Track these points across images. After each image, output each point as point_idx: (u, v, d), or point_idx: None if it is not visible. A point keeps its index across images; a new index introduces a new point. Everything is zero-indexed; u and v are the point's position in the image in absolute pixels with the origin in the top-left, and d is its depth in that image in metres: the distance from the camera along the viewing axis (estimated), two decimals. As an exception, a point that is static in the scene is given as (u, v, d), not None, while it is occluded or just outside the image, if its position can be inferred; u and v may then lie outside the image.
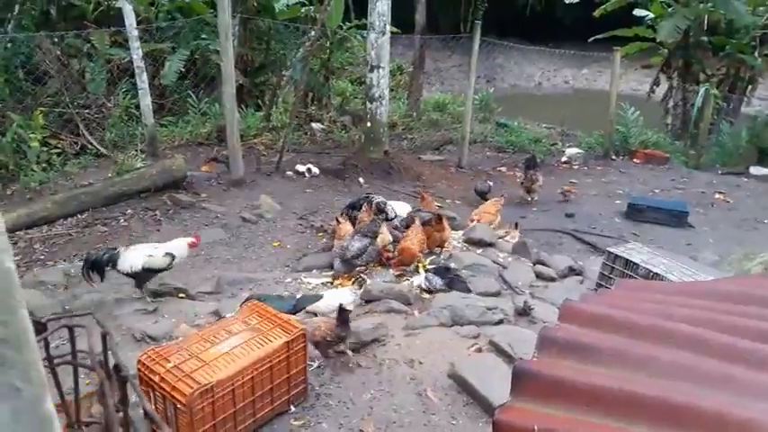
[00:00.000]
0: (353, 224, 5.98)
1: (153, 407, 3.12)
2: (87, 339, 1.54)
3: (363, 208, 6.04)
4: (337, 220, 6.02)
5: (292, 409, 3.47)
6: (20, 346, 0.74)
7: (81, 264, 4.89)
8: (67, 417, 1.54)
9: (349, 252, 5.19)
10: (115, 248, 4.84)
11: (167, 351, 3.14)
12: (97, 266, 4.71)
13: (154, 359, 3.08)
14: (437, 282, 5.04)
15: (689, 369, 1.63)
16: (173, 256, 4.70)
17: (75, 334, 1.50)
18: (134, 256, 4.64)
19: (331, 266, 5.52)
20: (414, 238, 5.53)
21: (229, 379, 3.01)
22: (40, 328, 1.67)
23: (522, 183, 8.91)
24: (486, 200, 7.96)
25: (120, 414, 1.10)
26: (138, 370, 3.11)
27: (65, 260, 5.96)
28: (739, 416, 1.41)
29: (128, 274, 4.68)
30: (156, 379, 2.99)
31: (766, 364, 1.64)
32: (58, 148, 8.71)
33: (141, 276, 4.68)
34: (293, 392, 3.44)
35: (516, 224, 7.18)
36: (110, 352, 1.32)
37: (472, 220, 6.87)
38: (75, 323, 1.53)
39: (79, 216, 6.91)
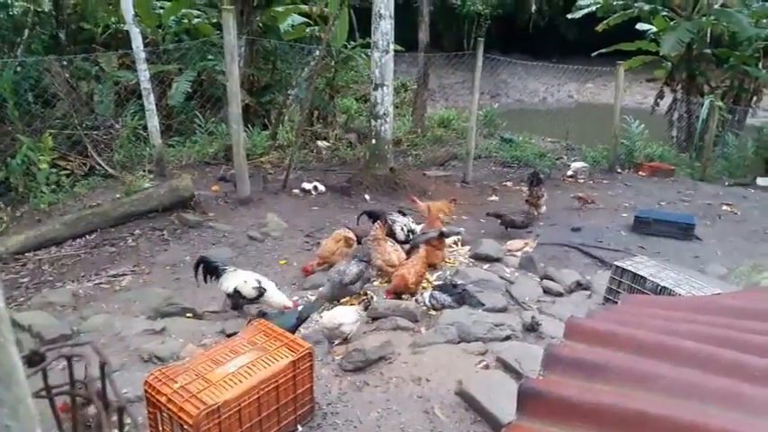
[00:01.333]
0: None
1: (161, 428, 3.12)
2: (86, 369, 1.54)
3: (377, 225, 6.04)
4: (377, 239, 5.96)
5: (299, 428, 3.46)
6: (9, 384, 0.74)
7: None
8: None
9: (347, 277, 5.17)
10: (227, 265, 5.13)
11: (174, 372, 3.14)
12: (206, 271, 5.03)
13: (161, 380, 3.08)
14: (444, 299, 5.03)
15: (696, 386, 1.62)
16: (261, 292, 4.84)
17: (73, 363, 1.50)
18: (233, 278, 4.89)
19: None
20: (411, 268, 5.40)
21: (236, 399, 3.00)
22: (37, 359, 1.68)
23: (527, 200, 8.90)
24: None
25: None
26: (145, 391, 3.11)
27: (73, 281, 5.99)
28: (747, 433, 1.40)
29: (225, 293, 4.96)
30: (164, 400, 2.99)
31: (774, 380, 1.63)
32: (67, 169, 8.81)
33: (234, 298, 4.92)
34: (300, 412, 3.43)
35: (537, 235, 7.18)
36: (108, 382, 1.32)
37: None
38: (73, 352, 1.53)
39: (88, 237, 6.96)
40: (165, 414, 3.01)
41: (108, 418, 1.08)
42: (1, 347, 0.73)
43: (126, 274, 6.07)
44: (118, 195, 7.87)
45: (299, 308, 4.71)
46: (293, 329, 4.01)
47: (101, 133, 9.85)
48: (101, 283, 5.87)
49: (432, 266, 6.00)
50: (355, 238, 6.18)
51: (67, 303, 5.36)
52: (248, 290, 4.81)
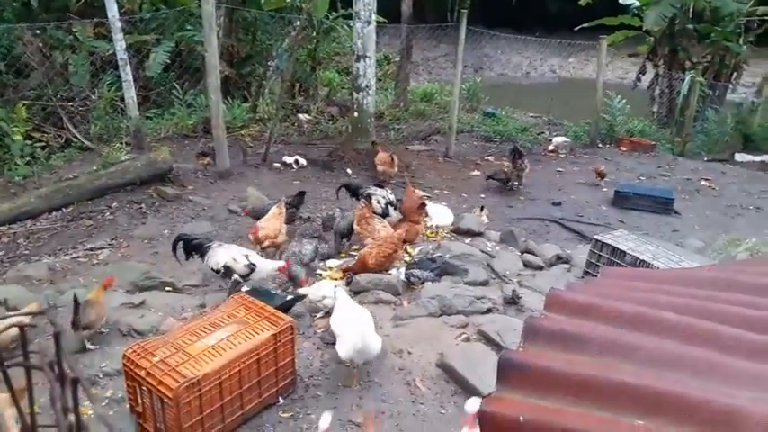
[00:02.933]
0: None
1: (140, 401, 3.09)
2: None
3: (362, 203, 5.98)
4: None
5: (281, 400, 3.46)
6: None
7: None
8: (22, 420, 1.50)
9: (305, 257, 5.19)
10: (209, 239, 5.06)
11: (153, 345, 3.12)
12: (186, 248, 4.94)
13: (139, 354, 3.05)
14: (425, 275, 5.02)
15: (675, 357, 1.63)
16: (252, 269, 4.70)
17: (26, 334, 1.46)
18: (221, 254, 4.77)
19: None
20: (374, 249, 5.19)
21: (216, 372, 2.99)
22: None
23: (509, 171, 8.93)
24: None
25: (72, 418, 1.07)
26: (124, 365, 3.09)
27: (50, 255, 5.89)
28: (726, 403, 1.42)
29: (212, 269, 4.83)
30: (143, 373, 2.96)
31: (752, 351, 1.65)
32: (42, 141, 8.61)
33: (225, 275, 4.78)
34: (281, 384, 3.43)
35: (482, 207, 7.15)
36: (62, 353, 1.28)
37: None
38: (25, 323, 1.49)
39: (64, 210, 6.83)
40: (144, 388, 2.99)
41: (63, 391, 1.04)
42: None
43: (103, 248, 5.98)
44: (95, 168, 7.71)
45: (293, 267, 4.81)
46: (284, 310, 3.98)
47: (76, 104, 9.62)
48: (78, 257, 5.78)
49: (408, 242, 5.94)
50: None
51: (44, 277, 5.27)
52: (240, 268, 4.70)
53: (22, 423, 1.41)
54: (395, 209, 6.47)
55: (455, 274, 5.13)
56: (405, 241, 5.74)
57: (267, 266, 4.83)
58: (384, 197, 6.50)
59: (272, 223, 5.50)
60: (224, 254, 4.78)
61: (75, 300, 3.76)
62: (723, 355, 1.64)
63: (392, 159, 8.49)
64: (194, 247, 4.93)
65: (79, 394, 1.07)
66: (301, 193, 6.67)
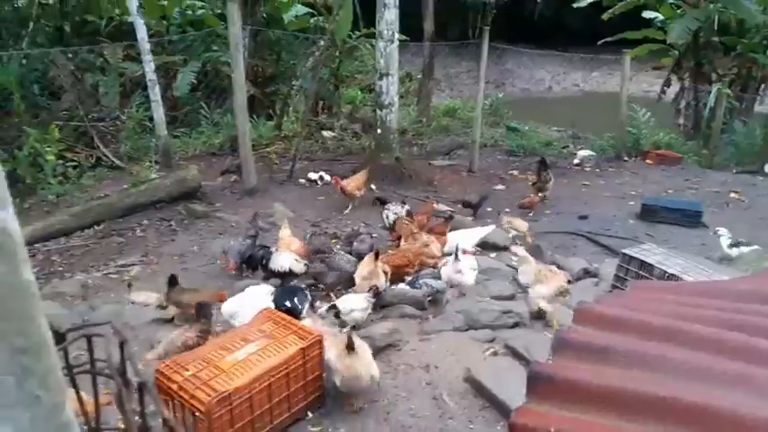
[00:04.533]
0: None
1: (172, 415, 3.15)
2: (105, 348, 1.57)
3: (405, 220, 6.07)
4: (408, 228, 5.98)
5: (309, 415, 3.49)
6: (39, 355, 0.76)
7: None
8: (87, 424, 1.57)
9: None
10: (268, 247, 5.57)
11: (185, 360, 3.18)
12: (252, 261, 5.46)
13: (172, 368, 3.11)
14: (440, 284, 5.03)
15: (704, 369, 1.62)
16: (308, 267, 5.36)
17: (93, 344, 1.53)
18: (283, 258, 5.32)
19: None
20: (389, 257, 5.38)
21: (246, 386, 3.03)
22: (58, 338, 1.69)
23: (533, 183, 8.94)
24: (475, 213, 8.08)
25: (139, 421, 1.12)
26: (157, 379, 3.15)
27: (82, 271, 6.03)
28: (756, 415, 1.41)
29: (276, 273, 5.27)
30: (175, 387, 3.02)
31: (783, 362, 1.64)
32: (74, 161, 8.84)
33: (286, 277, 5.28)
34: (310, 399, 3.46)
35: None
36: (128, 360, 1.35)
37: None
38: (93, 332, 1.56)
39: (96, 227, 7.01)
40: (176, 402, 3.05)
41: (129, 395, 1.10)
42: (32, 320, 0.75)
43: (134, 264, 6.11)
44: (125, 186, 7.90)
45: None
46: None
47: (107, 125, 9.90)
48: (109, 274, 5.91)
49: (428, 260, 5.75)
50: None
51: (77, 293, 5.40)
52: (300, 267, 5.31)
53: (88, 427, 1.48)
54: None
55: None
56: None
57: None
58: (396, 213, 6.50)
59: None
60: (286, 257, 5.30)
61: None
62: (753, 367, 1.63)
63: (364, 181, 8.22)
64: (260, 259, 5.40)
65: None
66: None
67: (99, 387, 1.61)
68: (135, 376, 1.12)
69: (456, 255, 5.05)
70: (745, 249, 6.28)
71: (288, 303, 4.30)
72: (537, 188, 8.87)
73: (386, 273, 4.99)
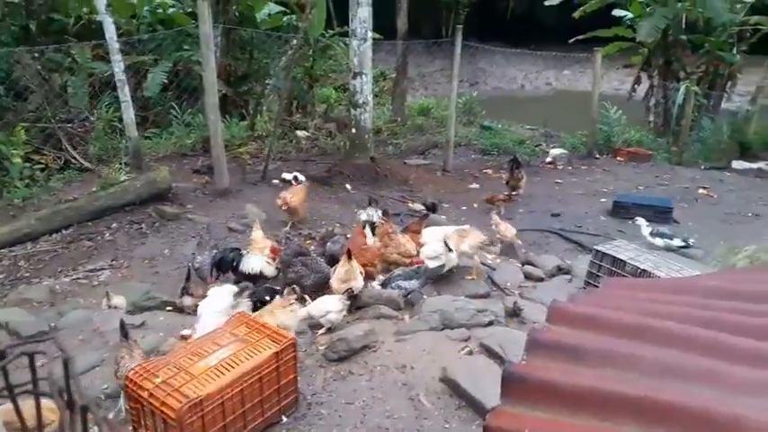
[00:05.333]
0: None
1: (143, 423, 3.08)
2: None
3: (382, 219, 6.01)
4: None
5: (284, 419, 3.45)
6: None
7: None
8: None
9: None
10: (239, 250, 5.44)
11: (155, 366, 3.11)
12: (224, 264, 5.29)
13: (142, 375, 3.04)
14: (412, 284, 5.02)
15: (676, 367, 1.63)
16: (279, 270, 5.27)
17: (35, 361, 1.46)
18: (254, 261, 5.24)
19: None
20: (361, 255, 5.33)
21: (218, 392, 2.98)
22: None
23: (507, 182, 9.00)
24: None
25: None
26: (127, 386, 3.08)
27: (50, 276, 5.89)
28: (726, 412, 1.42)
29: (247, 275, 5.16)
30: (145, 395, 2.95)
31: (753, 359, 1.65)
32: (41, 163, 8.63)
33: (257, 279, 5.19)
34: (284, 403, 3.41)
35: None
36: (72, 379, 1.29)
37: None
38: (34, 350, 1.49)
39: (64, 231, 6.83)
40: (147, 409, 2.98)
41: (72, 417, 1.05)
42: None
43: (104, 269, 5.98)
44: (94, 189, 7.73)
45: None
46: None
47: (75, 126, 9.65)
48: (78, 279, 5.78)
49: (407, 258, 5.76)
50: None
51: (45, 299, 5.27)
52: (271, 270, 5.27)
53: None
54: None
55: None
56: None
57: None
58: (369, 215, 6.39)
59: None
60: (257, 260, 5.24)
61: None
62: (725, 364, 1.64)
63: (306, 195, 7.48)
64: (231, 261, 5.27)
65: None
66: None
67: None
68: (79, 397, 1.07)
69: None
70: (670, 242, 6.64)
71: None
72: (511, 186, 8.95)
73: (361, 273, 4.96)
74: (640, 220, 7.02)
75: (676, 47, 14.38)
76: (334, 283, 4.83)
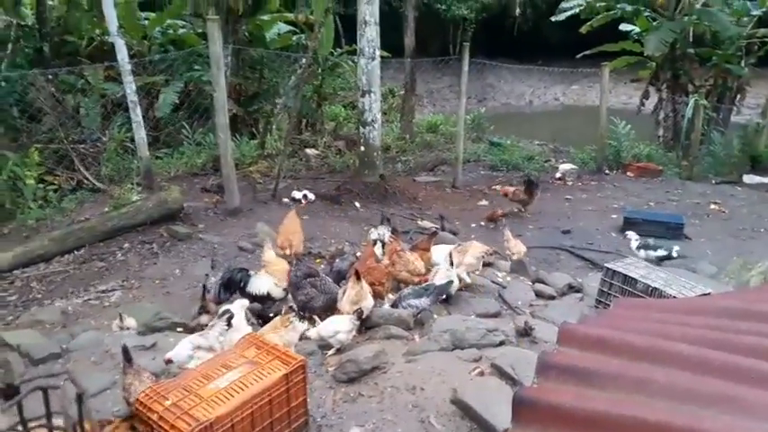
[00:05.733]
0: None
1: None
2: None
3: (390, 237, 6.01)
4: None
5: (294, 441, 3.42)
6: None
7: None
8: None
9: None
10: (247, 270, 5.36)
11: (165, 388, 3.10)
12: (232, 285, 5.22)
13: (152, 397, 3.04)
14: (422, 302, 5.00)
15: (689, 390, 1.61)
16: (287, 292, 5.21)
17: (49, 396, 1.46)
18: (262, 282, 5.20)
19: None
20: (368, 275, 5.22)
21: (228, 415, 2.97)
22: (11, 392, 1.62)
23: (520, 200, 9.05)
24: None
25: None
26: (136, 408, 3.07)
27: (62, 298, 5.93)
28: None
29: (254, 296, 5.11)
30: (155, 417, 2.95)
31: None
32: (54, 184, 8.74)
33: (265, 301, 5.17)
34: (294, 425, 3.39)
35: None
36: (85, 414, 1.29)
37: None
38: (48, 384, 1.49)
39: (76, 252, 6.89)
40: (157, 432, 2.97)
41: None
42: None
43: (115, 290, 6.01)
44: (106, 209, 7.80)
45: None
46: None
47: (88, 147, 9.78)
48: (90, 300, 5.81)
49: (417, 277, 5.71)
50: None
51: (56, 321, 5.30)
52: (279, 292, 5.21)
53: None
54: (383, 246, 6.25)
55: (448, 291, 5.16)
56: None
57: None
58: (380, 234, 6.38)
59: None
60: (265, 281, 5.19)
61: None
62: (738, 387, 1.62)
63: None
64: (238, 282, 5.21)
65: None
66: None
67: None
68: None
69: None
70: (653, 253, 6.91)
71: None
72: (521, 201, 8.97)
73: (371, 293, 4.95)
74: (631, 234, 7.25)
75: (684, 60, 14.37)
76: (344, 305, 4.79)
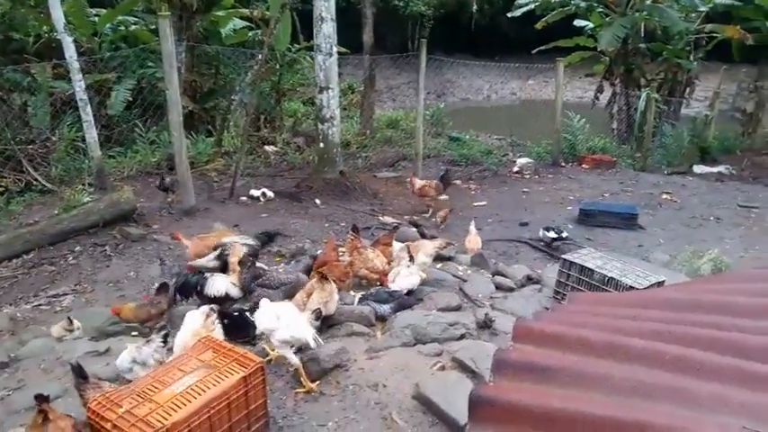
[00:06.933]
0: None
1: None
2: None
3: (350, 235, 5.91)
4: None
5: (255, 444, 3.37)
6: None
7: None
8: None
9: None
10: (202, 273, 5.23)
11: (119, 396, 3.01)
12: (187, 289, 5.10)
13: (104, 405, 2.94)
14: (382, 309, 4.98)
15: (643, 385, 1.63)
16: (245, 292, 5.09)
17: None
18: (219, 283, 5.06)
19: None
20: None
21: (185, 420, 2.90)
22: None
23: (428, 195, 9.18)
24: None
25: None
26: (89, 417, 2.97)
27: (10, 304, 5.69)
28: (696, 431, 1.42)
29: (212, 298, 4.97)
30: (108, 426, 2.85)
31: (718, 373, 1.67)
32: (1, 186, 8.42)
33: (224, 302, 4.96)
34: (254, 427, 3.34)
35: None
36: None
37: None
38: None
39: (25, 256, 6.63)
40: (111, 441, 2.88)
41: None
42: None
43: (67, 294, 5.81)
44: (56, 211, 7.54)
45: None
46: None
47: (36, 147, 9.43)
48: (40, 305, 5.60)
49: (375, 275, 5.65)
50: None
51: (5, 328, 5.09)
52: (237, 292, 5.07)
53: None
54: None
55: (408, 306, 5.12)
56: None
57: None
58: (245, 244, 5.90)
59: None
60: (222, 282, 5.07)
61: None
62: (690, 379, 1.65)
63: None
64: (194, 285, 5.08)
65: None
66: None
67: None
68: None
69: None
70: (547, 234, 7.62)
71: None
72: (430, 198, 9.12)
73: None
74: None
75: (636, 55, 14.75)
76: (317, 306, 4.60)
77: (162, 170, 9.70)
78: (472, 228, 7.04)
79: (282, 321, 3.90)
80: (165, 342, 3.82)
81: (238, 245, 5.78)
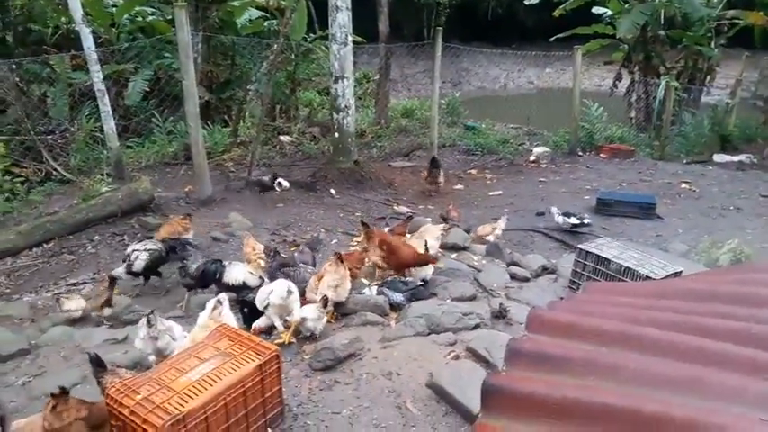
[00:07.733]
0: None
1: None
2: None
3: (362, 231, 5.92)
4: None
5: (269, 431, 3.41)
6: None
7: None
8: None
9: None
10: (221, 261, 5.24)
11: (136, 382, 3.06)
12: (207, 277, 5.13)
13: (122, 392, 2.99)
14: (396, 297, 4.99)
15: (659, 375, 1.62)
16: (263, 280, 5.06)
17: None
18: (237, 271, 5.11)
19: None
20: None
21: (201, 407, 2.93)
22: None
23: (426, 179, 9.30)
24: None
25: None
26: (107, 404, 3.02)
27: (31, 292, 5.80)
28: (712, 422, 1.40)
29: (230, 286, 5.02)
30: (126, 412, 2.90)
31: (735, 364, 1.65)
32: (22, 176, 8.52)
33: (241, 290, 4.99)
34: (270, 415, 3.37)
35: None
36: None
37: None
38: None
39: (45, 245, 6.74)
40: (128, 427, 2.93)
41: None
42: None
43: (86, 283, 5.90)
44: (75, 201, 7.64)
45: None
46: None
47: (56, 137, 9.54)
48: (60, 293, 5.68)
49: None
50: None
51: (25, 316, 5.19)
52: (255, 280, 5.07)
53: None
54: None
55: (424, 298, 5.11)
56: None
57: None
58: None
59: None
60: (240, 270, 5.11)
61: None
62: (707, 370, 1.64)
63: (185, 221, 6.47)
64: (213, 273, 5.11)
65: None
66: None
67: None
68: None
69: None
70: (568, 220, 7.64)
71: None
72: (429, 182, 9.21)
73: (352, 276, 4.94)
74: (554, 209, 7.81)
75: (655, 42, 14.50)
76: (325, 287, 4.64)
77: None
78: (501, 222, 7.12)
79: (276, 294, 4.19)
80: (150, 325, 3.86)
81: (252, 237, 5.85)
